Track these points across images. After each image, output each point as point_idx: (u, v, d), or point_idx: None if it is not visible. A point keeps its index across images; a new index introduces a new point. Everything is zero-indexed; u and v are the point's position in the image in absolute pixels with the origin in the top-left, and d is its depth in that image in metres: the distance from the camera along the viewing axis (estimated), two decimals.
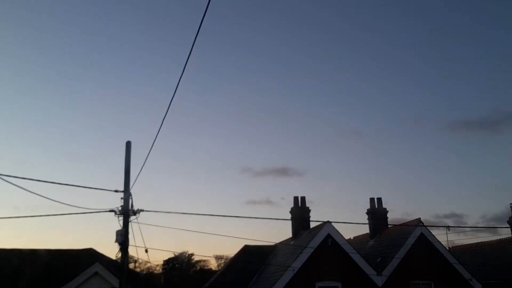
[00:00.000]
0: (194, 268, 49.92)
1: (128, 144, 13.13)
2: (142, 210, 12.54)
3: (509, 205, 23.81)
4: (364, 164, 68.40)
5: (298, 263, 18.03)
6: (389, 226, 22.82)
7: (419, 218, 20.12)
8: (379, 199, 23.21)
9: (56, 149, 68.30)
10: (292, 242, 22.00)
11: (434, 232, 20.14)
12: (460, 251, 25.62)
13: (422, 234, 19.66)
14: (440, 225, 44.37)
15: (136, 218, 12.49)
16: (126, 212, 12.40)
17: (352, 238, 25.15)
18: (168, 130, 72.09)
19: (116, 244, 12.31)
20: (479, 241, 25.94)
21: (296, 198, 22.90)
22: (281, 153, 72.04)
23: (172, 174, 75.62)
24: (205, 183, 75.38)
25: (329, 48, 66.77)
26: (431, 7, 63.00)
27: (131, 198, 12.54)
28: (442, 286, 19.36)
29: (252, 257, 22.32)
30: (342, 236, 19.10)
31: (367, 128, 69.73)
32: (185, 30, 59.87)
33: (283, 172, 67.28)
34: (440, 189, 67.69)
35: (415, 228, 19.79)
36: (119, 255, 12.45)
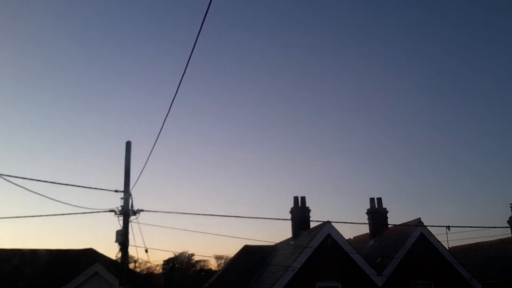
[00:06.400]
0: (194, 268, 49.81)
1: (128, 144, 13.16)
2: (142, 210, 12.57)
3: (509, 205, 23.83)
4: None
5: (298, 263, 18.03)
6: (389, 226, 22.82)
7: (419, 218, 20.15)
8: (379, 199, 23.22)
9: (56, 148, 68.30)
10: (292, 242, 21.99)
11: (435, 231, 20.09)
12: (460, 251, 25.59)
13: (422, 234, 19.67)
14: (440, 225, 44.21)
15: (136, 218, 12.53)
16: (126, 212, 12.43)
17: (352, 238, 25.14)
18: (169, 130, 72.12)
19: (116, 244, 12.34)
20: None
21: (296, 198, 22.84)
22: None
23: (172, 174, 75.57)
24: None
25: None
26: None
27: (131, 198, 12.58)
28: (442, 286, 19.35)
29: (252, 257, 22.31)
30: (342, 236, 19.10)
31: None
32: (186, 29, 59.91)
33: None
34: None
35: (415, 228, 19.80)
36: (119, 255, 12.48)
